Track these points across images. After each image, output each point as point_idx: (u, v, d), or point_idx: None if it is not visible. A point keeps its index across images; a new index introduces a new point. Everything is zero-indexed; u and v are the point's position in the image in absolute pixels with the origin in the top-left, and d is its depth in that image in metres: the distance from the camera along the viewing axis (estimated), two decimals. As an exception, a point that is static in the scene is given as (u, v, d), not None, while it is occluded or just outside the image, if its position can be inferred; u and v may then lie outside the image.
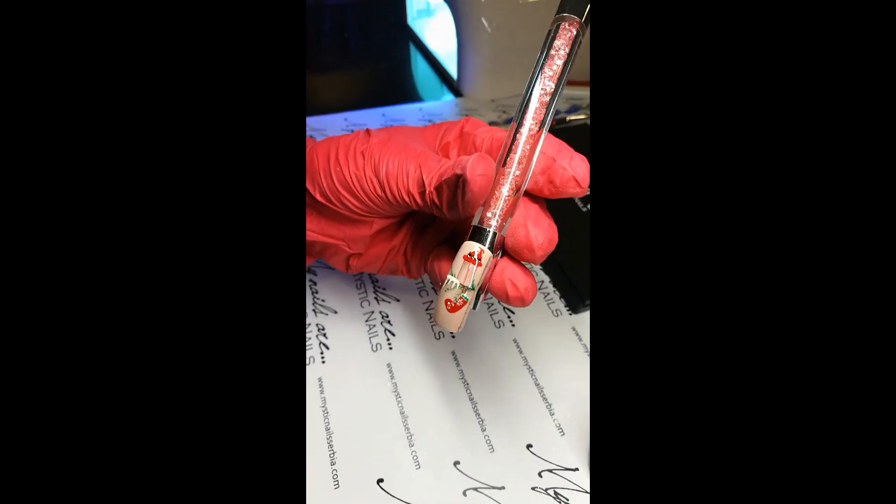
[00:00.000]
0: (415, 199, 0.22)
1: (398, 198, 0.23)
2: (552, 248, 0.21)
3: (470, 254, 0.20)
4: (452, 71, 0.54)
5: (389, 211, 0.24)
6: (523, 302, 0.22)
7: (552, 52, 0.21)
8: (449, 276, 0.20)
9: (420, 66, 0.60)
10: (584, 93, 0.51)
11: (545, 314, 0.33)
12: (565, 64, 0.21)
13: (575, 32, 0.21)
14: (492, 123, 0.43)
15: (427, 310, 0.33)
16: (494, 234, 0.20)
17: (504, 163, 0.21)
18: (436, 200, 0.22)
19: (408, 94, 0.55)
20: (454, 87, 0.54)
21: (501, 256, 0.22)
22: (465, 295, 0.20)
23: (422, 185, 0.22)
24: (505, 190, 0.20)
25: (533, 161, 0.21)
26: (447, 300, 0.20)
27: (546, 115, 0.21)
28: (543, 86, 0.21)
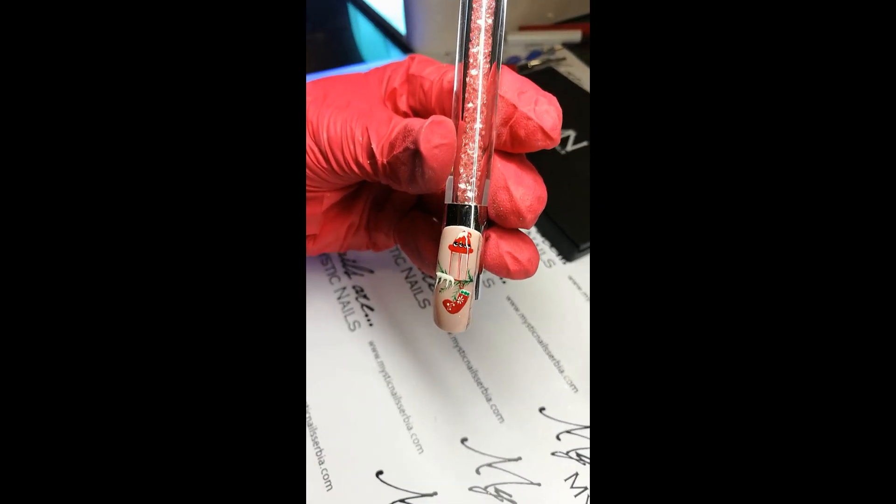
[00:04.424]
0: (366, 171, 0.19)
1: (346, 169, 0.19)
2: (542, 206, 0.18)
3: (456, 241, 0.17)
4: (399, 26, 0.49)
5: (339, 183, 0.21)
6: (527, 274, 0.18)
7: None
8: (439, 274, 0.17)
9: (363, 29, 0.55)
10: (544, 37, 0.47)
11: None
12: None
13: None
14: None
15: (407, 278, 0.30)
16: (475, 207, 0.17)
17: (461, 115, 0.17)
18: (390, 175, 0.18)
19: (349, 56, 0.51)
20: (403, 44, 0.50)
21: (488, 228, 0.19)
22: (464, 290, 0.17)
23: (372, 153, 0.18)
24: (474, 150, 0.17)
25: (496, 106, 0.17)
26: (446, 301, 0.17)
27: (496, 42, 0.17)
28: (488, 2, 0.17)
